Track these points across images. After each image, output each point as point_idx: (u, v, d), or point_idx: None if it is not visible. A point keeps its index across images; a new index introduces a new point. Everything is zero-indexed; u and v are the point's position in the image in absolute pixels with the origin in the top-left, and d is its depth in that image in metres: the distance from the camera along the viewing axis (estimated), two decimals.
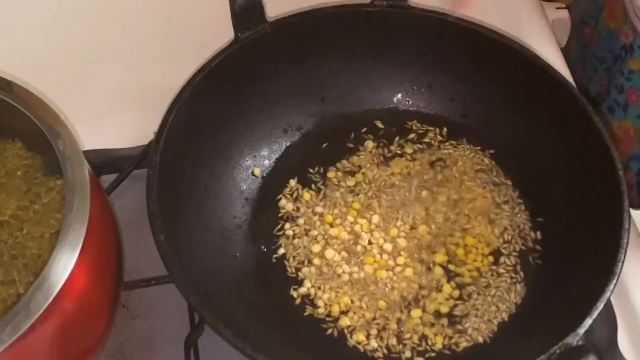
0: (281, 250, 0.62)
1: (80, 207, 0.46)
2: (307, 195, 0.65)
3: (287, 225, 0.63)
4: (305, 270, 0.61)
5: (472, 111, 0.68)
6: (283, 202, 0.64)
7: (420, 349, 0.57)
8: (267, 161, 0.67)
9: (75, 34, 0.79)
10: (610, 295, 0.51)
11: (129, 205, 0.66)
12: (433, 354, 0.57)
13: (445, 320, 0.58)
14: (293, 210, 0.64)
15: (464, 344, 0.57)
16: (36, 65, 0.72)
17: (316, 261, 0.61)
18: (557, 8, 0.84)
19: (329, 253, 0.61)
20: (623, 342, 0.60)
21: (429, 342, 0.57)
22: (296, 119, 0.68)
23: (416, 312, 0.59)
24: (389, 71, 0.69)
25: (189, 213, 0.59)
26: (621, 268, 0.52)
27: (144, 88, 0.74)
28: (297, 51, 0.66)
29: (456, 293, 0.60)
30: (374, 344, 0.57)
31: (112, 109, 0.73)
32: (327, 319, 0.59)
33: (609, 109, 0.80)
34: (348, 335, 0.58)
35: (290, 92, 0.68)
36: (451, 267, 0.61)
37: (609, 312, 0.60)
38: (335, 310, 0.59)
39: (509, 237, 0.62)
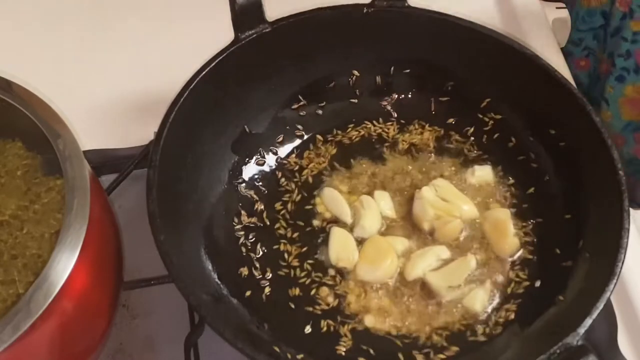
0: (281, 250, 0.62)
1: (80, 207, 0.46)
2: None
3: (289, 226, 0.63)
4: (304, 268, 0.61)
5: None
6: (282, 202, 0.65)
7: (421, 349, 0.57)
8: (267, 161, 0.67)
9: (76, 34, 0.79)
10: (610, 295, 0.51)
11: (129, 205, 0.66)
12: (434, 354, 0.57)
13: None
14: (295, 212, 0.64)
15: (464, 345, 0.57)
16: (36, 65, 0.72)
17: (310, 262, 0.61)
18: (557, 8, 0.84)
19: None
20: (623, 342, 0.60)
21: (431, 342, 0.57)
22: (297, 119, 0.68)
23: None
24: (388, 71, 0.69)
25: (189, 213, 0.59)
26: (621, 268, 0.52)
27: (144, 88, 0.74)
28: (297, 51, 0.66)
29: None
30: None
31: (112, 109, 0.73)
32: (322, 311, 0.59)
33: (618, 79, 0.81)
34: (348, 335, 0.58)
35: (290, 92, 0.68)
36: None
37: (609, 312, 0.60)
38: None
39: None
